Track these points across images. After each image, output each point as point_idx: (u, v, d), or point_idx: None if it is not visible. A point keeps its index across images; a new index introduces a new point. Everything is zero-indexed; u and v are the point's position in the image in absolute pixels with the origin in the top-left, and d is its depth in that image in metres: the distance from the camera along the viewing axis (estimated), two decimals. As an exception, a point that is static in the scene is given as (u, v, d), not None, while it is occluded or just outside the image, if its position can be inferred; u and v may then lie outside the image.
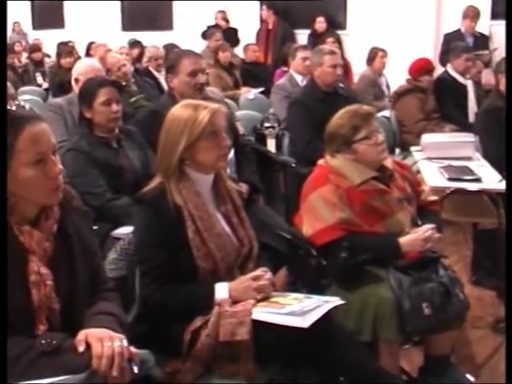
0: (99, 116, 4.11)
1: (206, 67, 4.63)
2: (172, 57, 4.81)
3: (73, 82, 5.39)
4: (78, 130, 4.22)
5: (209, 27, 12.53)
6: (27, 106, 2.36)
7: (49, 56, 13.01)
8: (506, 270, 3.03)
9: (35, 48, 12.05)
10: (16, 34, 16.53)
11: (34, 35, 16.64)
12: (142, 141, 4.26)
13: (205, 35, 11.84)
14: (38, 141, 2.26)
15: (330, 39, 10.05)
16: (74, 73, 5.40)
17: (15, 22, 17.13)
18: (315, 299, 2.90)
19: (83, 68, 5.34)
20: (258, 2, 13.49)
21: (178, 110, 3.05)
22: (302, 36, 12.46)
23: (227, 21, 13.19)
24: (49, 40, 14.82)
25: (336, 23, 12.36)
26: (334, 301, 2.89)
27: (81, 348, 2.20)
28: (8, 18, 18.35)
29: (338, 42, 10.56)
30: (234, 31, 12.86)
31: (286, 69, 8.33)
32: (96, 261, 2.58)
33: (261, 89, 8.62)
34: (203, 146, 2.96)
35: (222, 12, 13.28)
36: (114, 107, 4.12)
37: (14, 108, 2.35)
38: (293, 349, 2.72)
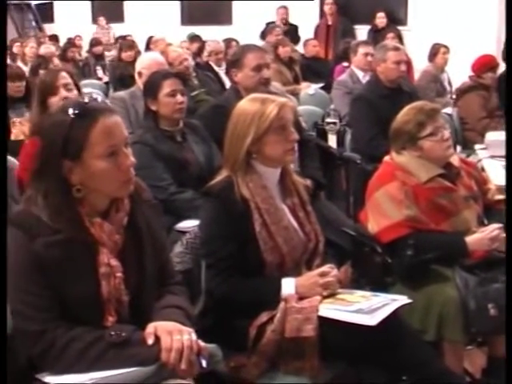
0: (164, 107, 4.12)
1: (270, 62, 4.62)
2: (237, 51, 4.81)
3: (136, 76, 5.45)
4: (144, 124, 4.25)
5: (268, 24, 12.51)
6: (100, 98, 2.35)
7: (109, 49, 13.12)
8: (506, 269, 2.97)
9: (95, 42, 12.16)
10: (100, 28, 16.46)
11: (93, 29, 16.80)
12: (206, 135, 4.27)
13: (265, 32, 11.80)
14: (111, 133, 2.26)
15: (390, 35, 9.97)
16: (138, 67, 5.45)
17: (99, 17, 16.94)
18: (382, 297, 2.87)
19: (146, 62, 5.40)
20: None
21: (246, 104, 3.04)
22: (361, 31, 12.38)
23: (287, 17, 13.10)
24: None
25: (396, 19, 12.25)
26: (402, 299, 2.85)
27: (150, 341, 2.20)
28: (69, 10, 18.74)
29: (399, 37, 10.47)
30: (295, 28, 12.80)
31: (346, 64, 8.28)
32: (164, 254, 2.58)
33: (321, 84, 8.58)
34: (271, 139, 2.95)
35: (284, 8, 13.19)
36: (179, 98, 4.13)
37: (86, 100, 2.34)
38: (358, 347, 2.69)
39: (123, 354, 2.18)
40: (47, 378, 2.21)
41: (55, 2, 20.50)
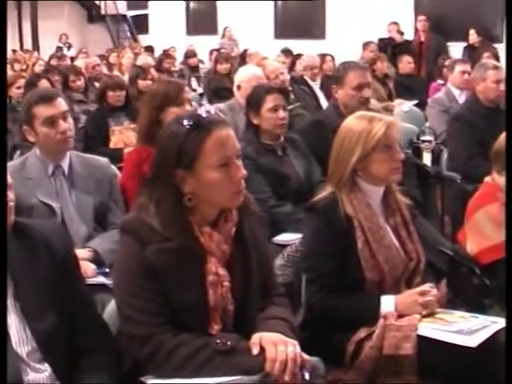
0: (267, 122, 4.18)
1: (371, 81, 4.63)
2: (339, 68, 4.82)
3: (234, 89, 5.56)
4: (245, 137, 4.28)
5: (380, 40, 12.41)
6: (212, 111, 2.42)
7: (202, 62, 13.28)
8: (507, 270, 2.88)
9: (191, 54, 12.36)
10: (227, 39, 16.26)
11: (187, 41, 17.03)
12: (306, 149, 4.30)
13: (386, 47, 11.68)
14: (224, 145, 2.32)
15: (486, 54, 9.81)
16: (237, 80, 5.55)
17: (226, 27, 16.64)
18: (481, 319, 2.84)
19: (246, 75, 5.49)
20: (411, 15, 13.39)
21: (353, 121, 3.05)
22: (455, 49, 12.24)
23: (402, 33, 12.94)
24: (201, 46, 15.20)
25: (493, 36, 12.06)
26: (502, 322, 2.82)
27: (255, 350, 2.24)
28: (163, 22, 19.07)
29: (495, 56, 10.29)
30: (407, 43, 12.67)
31: (441, 82, 8.21)
32: (268, 266, 2.61)
33: (415, 101, 8.51)
34: (377, 158, 2.96)
35: (395, 24, 13.04)
36: (281, 113, 4.18)
37: (200, 112, 2.40)
38: (456, 367, 2.67)
39: (229, 362, 2.22)
40: (152, 381, 2.26)
41: (150, 14, 20.90)
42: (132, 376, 2.33)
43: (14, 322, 2.12)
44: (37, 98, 3.51)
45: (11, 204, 2.07)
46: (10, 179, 2.07)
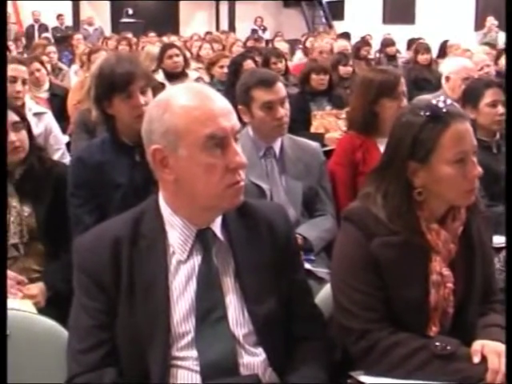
0: (484, 117, 4.05)
1: None
2: None
3: (443, 80, 5.44)
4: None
5: None
6: (449, 101, 2.31)
7: (399, 51, 13.06)
8: (507, 270, 2.54)
9: (389, 42, 12.15)
10: (487, 30, 14.92)
11: (383, 29, 16.84)
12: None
13: None
14: (462, 139, 2.21)
15: None
16: (445, 71, 5.44)
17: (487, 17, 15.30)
18: None
19: (456, 67, 5.37)
20: None
21: None
22: None
23: None
24: (397, 35, 15.00)
25: None
26: None
27: (476, 359, 2.11)
28: (360, 9, 18.99)
29: None
30: None
31: None
32: (491, 270, 2.48)
33: None
34: None
35: None
36: (500, 109, 4.03)
37: (435, 101, 2.29)
38: None
39: (447, 367, 2.11)
40: (363, 378, 2.19)
41: (346, 1, 20.88)
42: (341, 368, 2.27)
43: (232, 302, 2.08)
44: (257, 81, 3.50)
45: (242, 184, 2.04)
46: (245, 159, 2.03)
